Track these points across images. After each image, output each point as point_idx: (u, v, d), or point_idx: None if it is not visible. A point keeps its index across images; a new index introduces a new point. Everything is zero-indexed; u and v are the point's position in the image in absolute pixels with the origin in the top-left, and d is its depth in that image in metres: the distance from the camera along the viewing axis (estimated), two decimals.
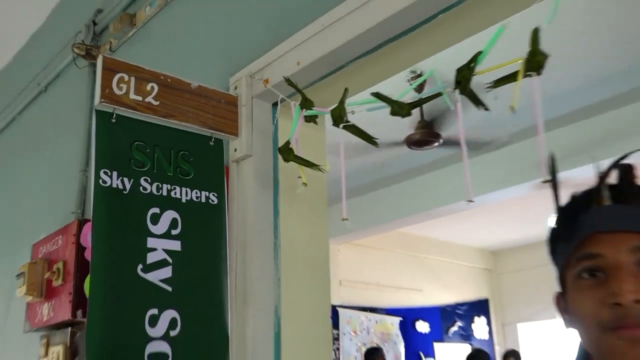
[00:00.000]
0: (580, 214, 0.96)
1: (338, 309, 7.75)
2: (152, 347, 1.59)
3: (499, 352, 8.86)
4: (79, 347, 2.41)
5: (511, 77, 1.25)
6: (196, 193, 1.79)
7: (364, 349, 7.68)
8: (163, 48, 2.60)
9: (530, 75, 1.22)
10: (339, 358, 7.65)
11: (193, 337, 1.67)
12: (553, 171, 1.05)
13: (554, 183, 1.05)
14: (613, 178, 0.98)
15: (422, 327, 8.70)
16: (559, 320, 1.03)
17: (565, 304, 0.99)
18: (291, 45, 1.84)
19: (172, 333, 1.64)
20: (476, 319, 9.14)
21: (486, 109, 1.37)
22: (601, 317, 0.88)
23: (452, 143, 4.78)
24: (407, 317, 8.63)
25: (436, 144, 4.63)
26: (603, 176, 0.98)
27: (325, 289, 2.00)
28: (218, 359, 1.70)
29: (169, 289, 1.66)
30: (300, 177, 1.71)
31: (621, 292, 0.85)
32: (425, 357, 8.52)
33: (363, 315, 8.10)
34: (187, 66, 2.37)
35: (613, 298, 0.86)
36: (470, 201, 1.29)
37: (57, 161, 3.19)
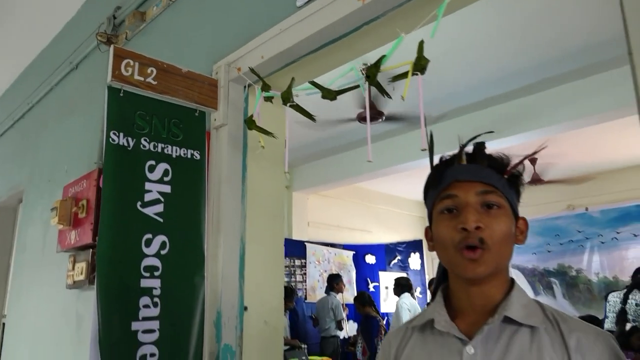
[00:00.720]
0: (446, 170, 1.08)
1: (306, 243, 7.82)
2: (146, 262, 1.69)
3: (427, 280, 9.06)
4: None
5: (404, 75, 1.35)
6: (184, 150, 1.86)
7: (325, 275, 7.76)
8: (165, 40, 2.63)
9: (417, 74, 1.33)
10: (306, 280, 7.74)
11: (178, 255, 1.75)
12: (431, 143, 1.17)
13: (430, 150, 1.17)
14: (469, 148, 1.09)
15: (370, 259, 8.83)
16: None
17: (431, 233, 1.10)
18: (257, 43, 1.90)
19: (162, 252, 1.72)
20: (412, 254, 9.19)
21: (389, 97, 1.47)
22: (453, 238, 0.99)
23: (393, 119, 4.88)
24: (359, 251, 8.74)
25: (380, 120, 4.71)
26: (463, 146, 1.09)
27: (279, 223, 2.08)
28: (196, 272, 1.78)
29: (161, 220, 1.74)
30: (259, 142, 1.81)
31: (467, 220, 0.98)
32: (372, 282, 8.68)
33: (325, 249, 8.18)
34: (182, 55, 2.41)
35: (462, 224, 0.98)
36: (369, 161, 1.39)
37: (84, 123, 3.21)
